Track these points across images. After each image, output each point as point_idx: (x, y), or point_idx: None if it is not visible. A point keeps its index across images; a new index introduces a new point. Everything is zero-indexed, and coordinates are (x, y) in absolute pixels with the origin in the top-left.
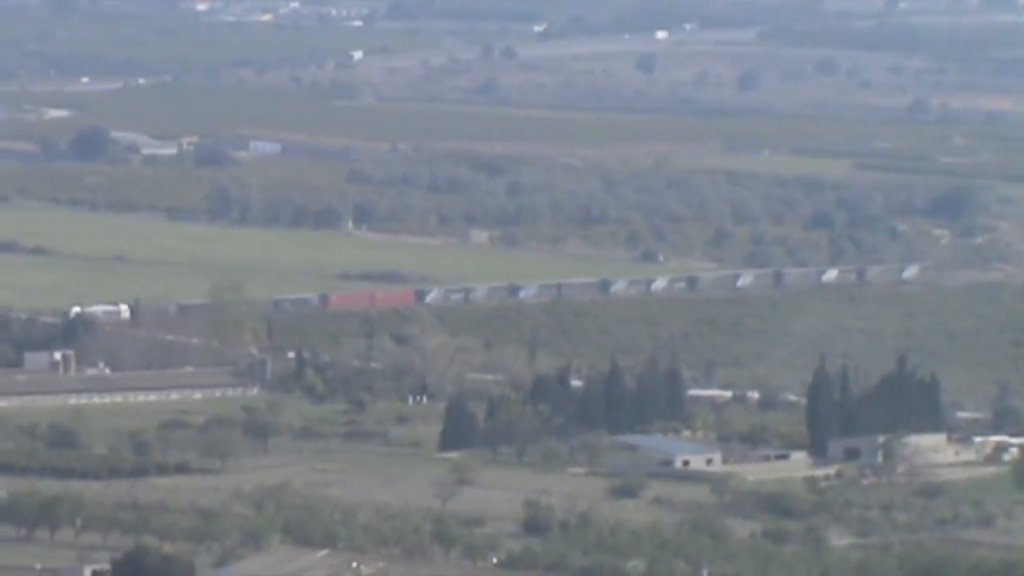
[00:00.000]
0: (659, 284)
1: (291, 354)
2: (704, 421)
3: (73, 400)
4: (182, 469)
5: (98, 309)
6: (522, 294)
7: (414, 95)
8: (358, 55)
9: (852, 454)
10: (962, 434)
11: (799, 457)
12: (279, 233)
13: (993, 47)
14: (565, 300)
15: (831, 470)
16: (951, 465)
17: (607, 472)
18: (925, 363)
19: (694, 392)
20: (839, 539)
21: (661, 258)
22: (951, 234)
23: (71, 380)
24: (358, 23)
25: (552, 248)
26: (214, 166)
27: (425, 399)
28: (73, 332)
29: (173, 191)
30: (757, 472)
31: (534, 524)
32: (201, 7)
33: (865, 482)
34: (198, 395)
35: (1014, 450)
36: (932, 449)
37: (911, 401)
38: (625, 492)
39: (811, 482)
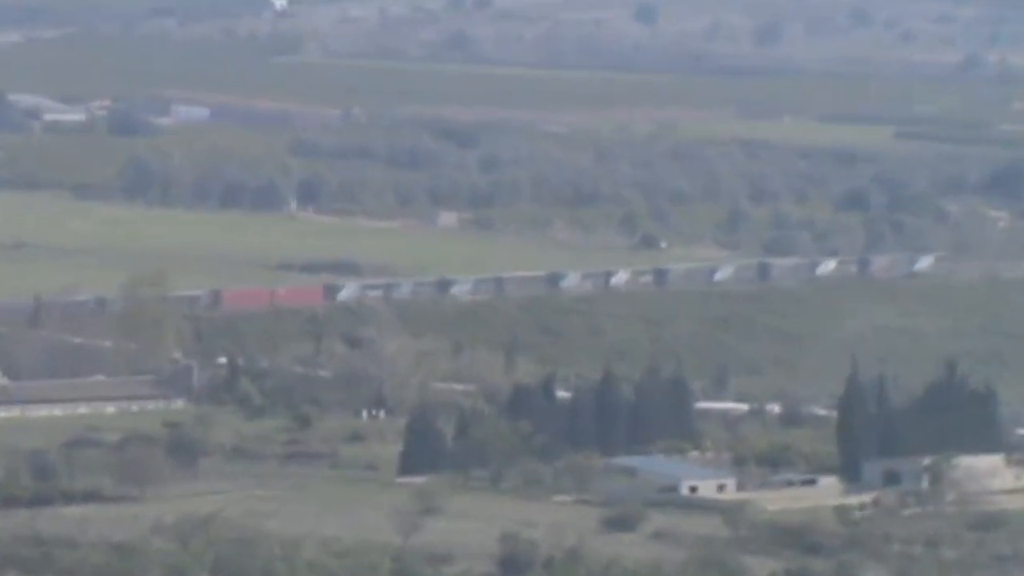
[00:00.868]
0: (625, 278)
1: (222, 360)
2: (715, 440)
3: None
4: (93, 497)
5: None
6: (454, 290)
7: (370, 50)
8: (302, 1)
9: (892, 479)
10: (1023, 455)
11: (828, 482)
12: (208, 215)
13: None
14: (506, 296)
15: (866, 498)
16: (1010, 492)
17: (599, 500)
18: (979, 370)
19: (703, 405)
20: None
21: (664, 244)
22: (1010, 216)
23: None
24: None
25: (535, 233)
26: (130, 135)
27: (382, 413)
28: None
29: (82, 165)
30: (778, 500)
31: (512, 562)
32: None
33: (907, 512)
34: (111, 408)
35: None
36: (987, 473)
37: (962, 415)
38: (621, 524)
39: (843, 512)
